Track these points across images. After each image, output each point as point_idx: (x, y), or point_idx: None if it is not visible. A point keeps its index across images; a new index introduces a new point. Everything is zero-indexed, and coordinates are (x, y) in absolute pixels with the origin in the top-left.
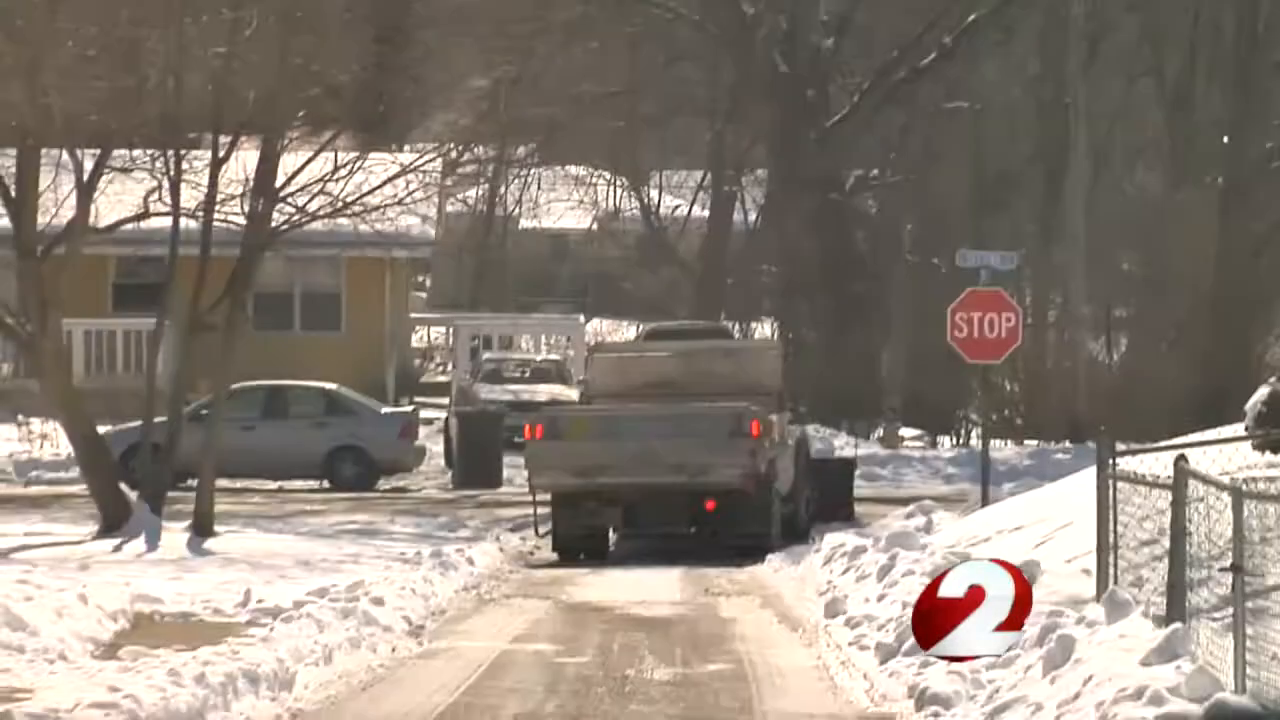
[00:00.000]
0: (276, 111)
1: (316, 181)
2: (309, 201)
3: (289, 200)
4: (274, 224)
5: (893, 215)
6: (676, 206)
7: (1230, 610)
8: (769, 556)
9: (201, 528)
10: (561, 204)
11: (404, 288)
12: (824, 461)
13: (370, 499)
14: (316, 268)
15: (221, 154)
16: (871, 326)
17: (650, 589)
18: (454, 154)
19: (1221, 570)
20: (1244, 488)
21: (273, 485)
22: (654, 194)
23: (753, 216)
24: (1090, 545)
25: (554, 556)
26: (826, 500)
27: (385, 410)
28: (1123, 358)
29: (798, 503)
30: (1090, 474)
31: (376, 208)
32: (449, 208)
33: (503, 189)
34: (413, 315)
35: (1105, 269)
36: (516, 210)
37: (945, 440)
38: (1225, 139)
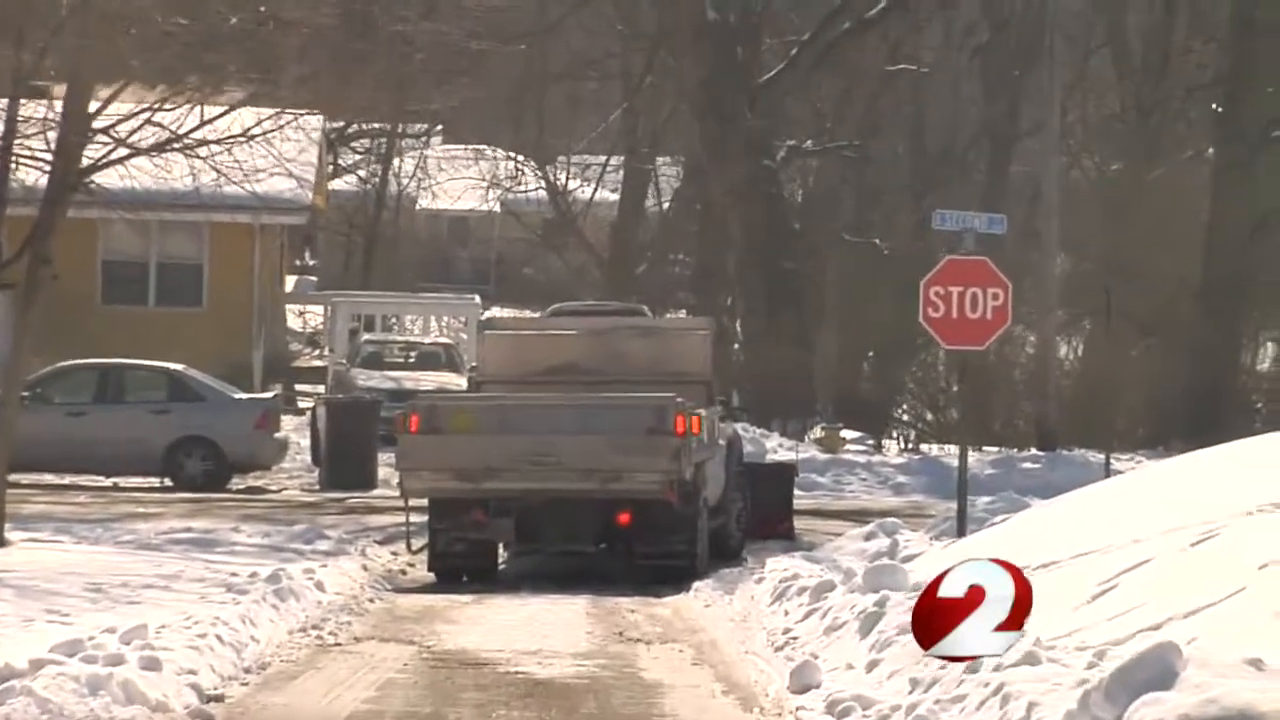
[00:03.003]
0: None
1: (143, 110)
2: (132, 134)
3: (109, 133)
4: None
5: (828, 189)
6: (583, 176)
7: None
8: (695, 584)
9: None
10: (461, 183)
11: (277, 261)
12: (757, 467)
13: (218, 501)
14: (176, 234)
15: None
16: (804, 312)
17: (547, 630)
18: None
19: None
20: None
21: (107, 482)
22: (560, 173)
23: (667, 200)
24: (1200, 601)
25: (430, 577)
26: (761, 513)
27: (240, 396)
28: (1086, 355)
29: (728, 516)
30: (1100, 489)
31: (216, 141)
32: (336, 184)
33: (396, 161)
34: (294, 294)
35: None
36: (412, 186)
37: (891, 444)
38: (1218, 108)
